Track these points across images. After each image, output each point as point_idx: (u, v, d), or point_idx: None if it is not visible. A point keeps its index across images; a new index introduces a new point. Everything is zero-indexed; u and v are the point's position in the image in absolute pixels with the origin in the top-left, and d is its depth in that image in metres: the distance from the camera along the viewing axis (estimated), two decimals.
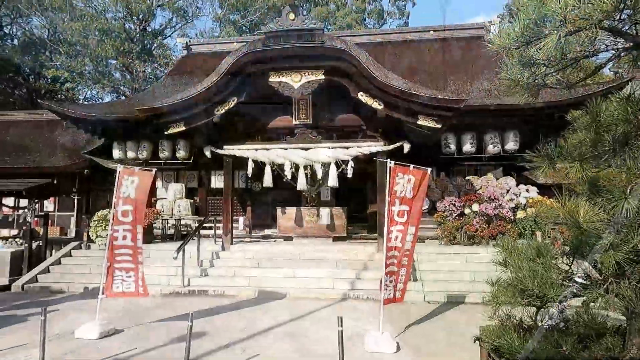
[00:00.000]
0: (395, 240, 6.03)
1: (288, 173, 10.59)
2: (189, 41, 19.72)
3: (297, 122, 10.80)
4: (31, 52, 28.75)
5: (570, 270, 3.00)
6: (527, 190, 11.30)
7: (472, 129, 11.69)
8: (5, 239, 11.53)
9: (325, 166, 10.55)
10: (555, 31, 2.07)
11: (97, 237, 11.35)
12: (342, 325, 4.53)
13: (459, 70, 14.26)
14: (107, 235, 6.93)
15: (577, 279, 2.69)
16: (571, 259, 3.12)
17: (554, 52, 2.19)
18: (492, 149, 11.68)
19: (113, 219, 6.44)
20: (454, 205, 11.06)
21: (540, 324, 3.23)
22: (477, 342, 3.77)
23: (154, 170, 6.79)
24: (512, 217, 10.71)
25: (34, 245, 11.19)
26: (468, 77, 13.59)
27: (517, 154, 11.40)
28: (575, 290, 2.66)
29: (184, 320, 4.63)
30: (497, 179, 12.19)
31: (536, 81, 2.55)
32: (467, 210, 10.93)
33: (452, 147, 11.87)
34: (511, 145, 11.54)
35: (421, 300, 8.31)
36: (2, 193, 11.58)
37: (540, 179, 11.41)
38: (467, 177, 12.59)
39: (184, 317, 4.72)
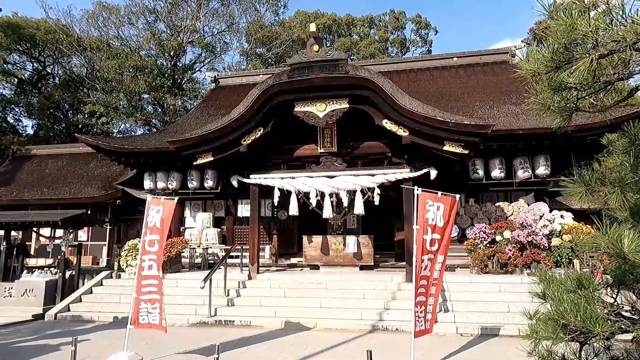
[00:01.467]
0: (424, 269, 5.86)
1: (314, 201, 10.59)
2: (217, 75, 20.46)
3: (322, 150, 10.87)
4: (70, 89, 30.45)
5: (615, 303, 2.81)
6: (562, 217, 10.86)
7: (500, 154, 11.47)
8: (42, 268, 11.88)
9: (351, 194, 10.50)
10: (587, 55, 2.02)
11: (127, 266, 11.54)
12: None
13: (484, 95, 14.15)
14: (136, 264, 7.03)
15: (624, 313, 2.51)
16: (615, 290, 2.92)
17: (586, 75, 2.13)
18: (522, 174, 11.38)
19: (141, 249, 6.53)
20: (485, 232, 10.73)
21: None
22: None
23: (176, 198, 6.89)
24: (547, 245, 10.28)
25: (68, 274, 11.47)
26: (494, 102, 13.45)
27: (548, 178, 11.07)
28: (623, 326, 2.47)
29: (210, 352, 4.57)
30: (528, 204, 11.81)
31: (568, 105, 2.48)
32: (498, 238, 10.58)
33: (480, 172, 11.64)
34: (542, 170, 11.22)
35: (453, 332, 7.97)
36: (40, 223, 12.02)
37: (575, 204, 10.97)
38: (497, 203, 12.26)
39: (210, 349, 4.67)
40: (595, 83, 2.30)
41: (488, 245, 10.65)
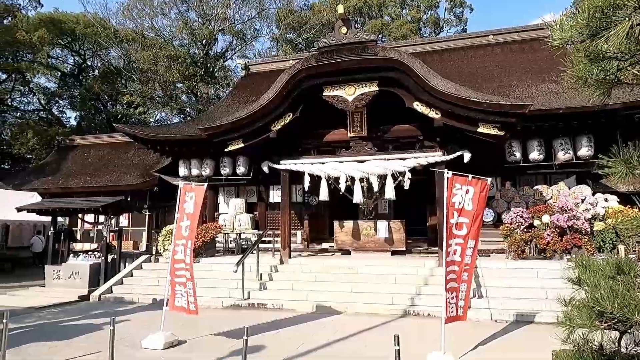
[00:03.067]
0: (454, 254, 5.72)
1: (343, 186, 10.53)
2: (248, 62, 20.56)
3: (352, 134, 10.75)
4: (109, 80, 31.56)
5: None
6: (606, 200, 10.30)
7: (539, 135, 10.96)
8: (86, 252, 12.51)
9: (382, 178, 10.36)
10: (627, 19, 1.84)
11: (164, 250, 11.96)
12: (398, 345, 4.32)
13: (522, 74, 13.51)
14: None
15: None
16: None
17: (627, 43, 1.94)
18: (562, 155, 10.85)
19: (175, 234, 6.72)
20: (522, 216, 10.34)
21: (625, 351, 2.85)
22: None
23: (206, 184, 7.02)
24: (589, 229, 9.79)
25: (110, 258, 12.03)
26: (533, 81, 12.82)
27: (592, 160, 10.48)
28: None
29: (242, 335, 4.67)
30: (569, 187, 11.26)
31: (607, 77, 2.28)
32: (536, 222, 10.17)
33: (518, 155, 11.19)
34: (584, 151, 10.65)
35: (487, 319, 7.78)
36: (83, 210, 12.62)
37: (621, 187, 10.35)
38: (536, 187, 11.77)
39: (242, 331, 4.79)
40: (638, 51, 2.10)
41: (525, 230, 10.27)
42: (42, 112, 31.83)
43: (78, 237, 16.40)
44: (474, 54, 16.07)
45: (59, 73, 32.59)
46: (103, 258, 11.76)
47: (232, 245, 13.38)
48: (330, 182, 10.86)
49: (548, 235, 9.80)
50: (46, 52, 29.43)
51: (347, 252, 11.75)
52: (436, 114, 9.32)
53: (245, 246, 13.04)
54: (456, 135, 9.71)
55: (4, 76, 28.39)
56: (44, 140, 25.08)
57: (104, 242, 11.93)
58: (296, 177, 11.52)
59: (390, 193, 10.17)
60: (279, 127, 10.39)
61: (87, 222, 15.90)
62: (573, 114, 10.27)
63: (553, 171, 11.71)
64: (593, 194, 10.58)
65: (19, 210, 12.78)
